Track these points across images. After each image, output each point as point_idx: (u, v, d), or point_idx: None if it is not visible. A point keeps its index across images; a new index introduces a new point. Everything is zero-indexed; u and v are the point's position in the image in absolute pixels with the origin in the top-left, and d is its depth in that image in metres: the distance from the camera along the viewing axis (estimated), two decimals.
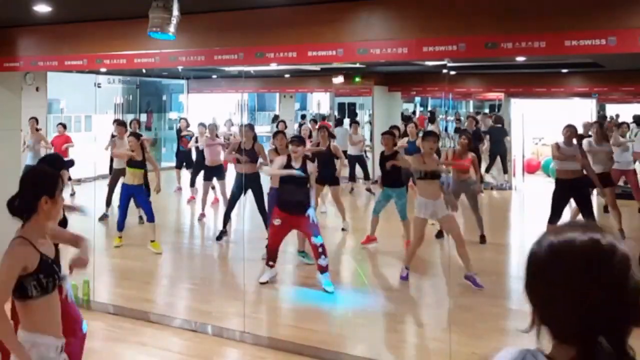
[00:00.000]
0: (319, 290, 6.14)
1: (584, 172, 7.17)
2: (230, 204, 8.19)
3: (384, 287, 6.87)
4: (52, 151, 11.71)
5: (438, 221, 6.53)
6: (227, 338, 5.19)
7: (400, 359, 5.05)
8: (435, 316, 5.78)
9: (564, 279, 1.06)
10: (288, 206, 6.19)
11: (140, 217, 8.79)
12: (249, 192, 7.82)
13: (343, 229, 8.66)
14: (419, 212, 6.39)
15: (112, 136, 9.46)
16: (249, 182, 7.89)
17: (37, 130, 10.11)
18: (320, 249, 6.08)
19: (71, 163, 4.26)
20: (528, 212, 11.26)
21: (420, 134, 9.20)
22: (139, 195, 7.90)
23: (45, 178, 2.81)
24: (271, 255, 6.37)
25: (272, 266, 6.36)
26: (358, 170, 11.72)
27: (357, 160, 11.66)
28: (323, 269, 6.13)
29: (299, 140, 6.37)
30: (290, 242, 7.26)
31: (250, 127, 8.65)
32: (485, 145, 11.48)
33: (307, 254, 7.04)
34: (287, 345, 4.96)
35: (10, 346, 2.63)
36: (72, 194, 10.43)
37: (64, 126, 11.67)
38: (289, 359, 4.80)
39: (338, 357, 4.81)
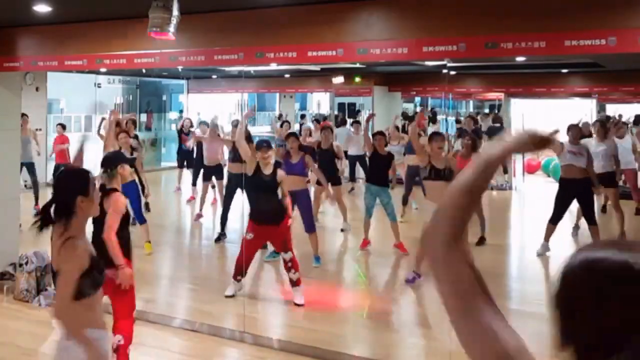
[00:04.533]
0: (318, 291, 6.14)
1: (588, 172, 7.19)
2: (225, 206, 8.19)
3: (384, 287, 6.87)
4: (48, 150, 11.73)
5: None
6: (227, 338, 5.19)
7: (400, 359, 5.05)
8: (435, 316, 5.78)
9: (594, 295, 1.05)
10: (260, 217, 5.78)
11: (134, 219, 8.76)
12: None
13: (342, 230, 8.66)
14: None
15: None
16: (239, 181, 7.93)
17: (30, 129, 10.08)
18: (289, 264, 5.80)
19: (133, 160, 4.42)
20: (528, 212, 11.26)
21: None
22: (131, 193, 7.81)
23: (77, 178, 2.85)
24: (239, 270, 5.93)
25: (239, 280, 5.99)
26: (359, 170, 11.71)
27: (358, 160, 11.65)
28: (295, 283, 5.85)
29: (267, 145, 5.94)
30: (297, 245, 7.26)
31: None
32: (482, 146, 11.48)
33: (317, 258, 7.04)
34: (287, 345, 4.96)
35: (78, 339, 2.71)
36: None
37: (63, 127, 11.61)
38: (289, 359, 4.80)
39: (338, 357, 4.81)
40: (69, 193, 2.75)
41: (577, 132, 7.28)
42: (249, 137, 8.11)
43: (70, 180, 2.86)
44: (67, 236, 2.71)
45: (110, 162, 4.30)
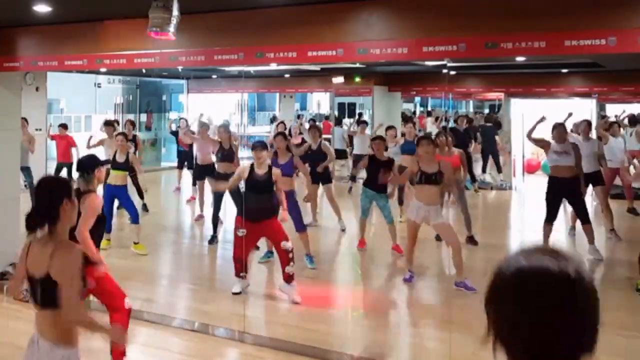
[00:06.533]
0: (317, 290, 6.13)
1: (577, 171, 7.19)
2: (215, 207, 8.20)
3: (384, 287, 6.87)
4: (49, 150, 11.71)
5: (432, 227, 6.36)
6: (227, 338, 5.19)
7: (400, 359, 5.05)
8: (435, 316, 5.78)
9: (527, 302, 1.11)
10: (252, 214, 5.87)
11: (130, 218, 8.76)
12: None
13: (343, 230, 8.64)
14: (411, 214, 6.28)
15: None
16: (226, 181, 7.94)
17: (29, 134, 10.03)
18: (290, 255, 5.82)
19: (107, 162, 4.54)
20: (528, 212, 11.25)
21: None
22: (121, 196, 7.77)
23: (60, 183, 2.91)
24: (239, 267, 6.00)
25: (243, 277, 6.06)
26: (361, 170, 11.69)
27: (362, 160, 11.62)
28: (290, 278, 5.84)
29: (261, 145, 6.08)
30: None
31: (225, 127, 8.68)
32: (474, 145, 11.52)
33: (310, 258, 7.02)
34: (287, 345, 4.96)
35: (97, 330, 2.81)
36: None
37: (65, 127, 11.53)
38: (289, 359, 4.80)
39: (338, 357, 4.81)
40: (55, 197, 2.74)
41: (563, 131, 7.26)
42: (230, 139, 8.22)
43: (56, 185, 2.86)
44: (59, 240, 2.70)
45: (86, 166, 4.42)
